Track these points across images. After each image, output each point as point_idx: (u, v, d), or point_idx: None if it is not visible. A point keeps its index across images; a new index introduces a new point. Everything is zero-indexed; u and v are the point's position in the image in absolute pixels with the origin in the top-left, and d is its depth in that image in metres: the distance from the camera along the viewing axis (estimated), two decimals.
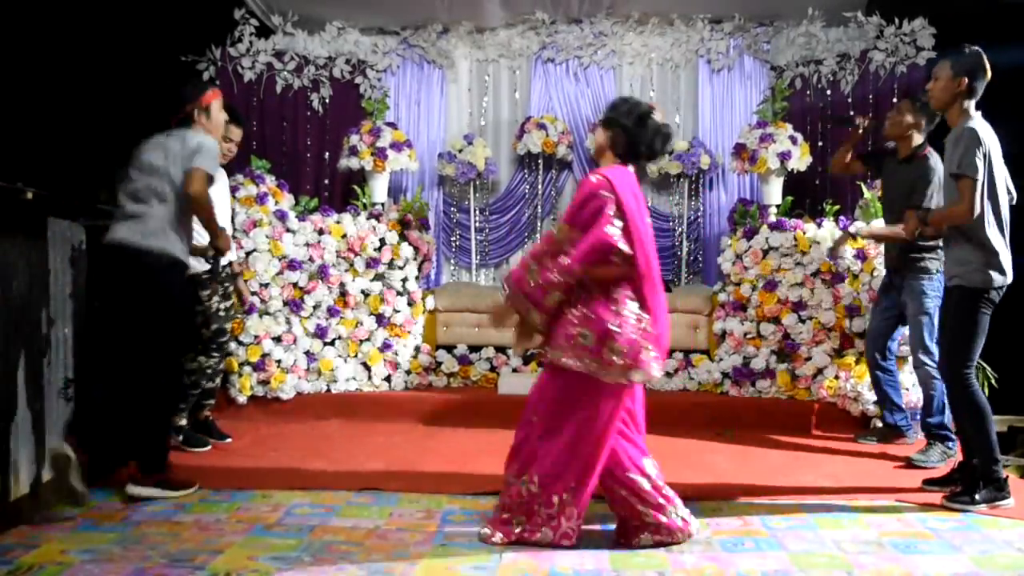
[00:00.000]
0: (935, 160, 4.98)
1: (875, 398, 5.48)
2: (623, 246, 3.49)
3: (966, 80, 4.08)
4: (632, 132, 3.64)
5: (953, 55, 4.14)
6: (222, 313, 5.20)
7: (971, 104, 4.12)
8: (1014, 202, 4.23)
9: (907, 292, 5.06)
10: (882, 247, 5.50)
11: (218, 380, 5.46)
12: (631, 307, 3.52)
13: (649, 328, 3.49)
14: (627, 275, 3.53)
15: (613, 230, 3.48)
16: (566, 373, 3.55)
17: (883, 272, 5.69)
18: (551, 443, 3.59)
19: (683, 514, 3.66)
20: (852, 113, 5.65)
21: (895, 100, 6.61)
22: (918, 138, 5.10)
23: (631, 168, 3.70)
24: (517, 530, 3.65)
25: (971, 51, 4.11)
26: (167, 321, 4.29)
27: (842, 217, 6.07)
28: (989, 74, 4.11)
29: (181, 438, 5.08)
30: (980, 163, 3.96)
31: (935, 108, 4.28)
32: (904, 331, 5.36)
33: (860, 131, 5.48)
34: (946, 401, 4.72)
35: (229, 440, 5.39)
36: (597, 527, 3.86)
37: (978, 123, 4.06)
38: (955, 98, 4.12)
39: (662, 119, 3.67)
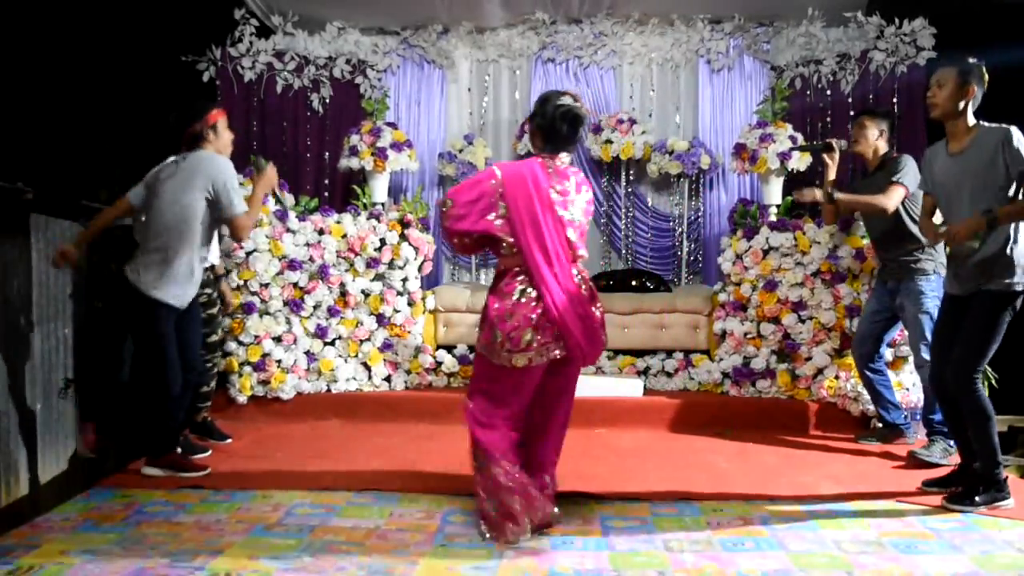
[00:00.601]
0: (907, 157, 5.04)
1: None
2: (504, 235, 3.66)
3: (975, 88, 4.08)
4: (542, 123, 3.75)
5: (959, 64, 4.13)
6: (212, 312, 5.14)
7: (969, 112, 4.13)
8: None
9: (904, 294, 5.06)
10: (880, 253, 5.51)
11: (213, 383, 5.44)
12: (519, 294, 3.69)
13: (533, 316, 3.64)
14: (517, 263, 3.71)
15: (493, 217, 3.65)
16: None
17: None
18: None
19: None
20: (825, 140, 5.56)
21: (895, 100, 6.63)
22: (884, 146, 5.18)
23: (560, 156, 3.78)
24: (494, 514, 3.70)
25: (974, 61, 4.12)
26: (144, 347, 4.38)
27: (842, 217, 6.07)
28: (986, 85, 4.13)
29: (179, 449, 5.04)
30: None
31: (936, 116, 4.22)
32: (894, 334, 5.38)
33: (837, 154, 5.41)
34: None
35: (229, 440, 5.39)
36: (596, 527, 3.87)
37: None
38: (961, 107, 4.11)
39: (573, 103, 3.73)
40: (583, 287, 3.77)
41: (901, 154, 5.14)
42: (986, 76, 4.12)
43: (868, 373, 5.30)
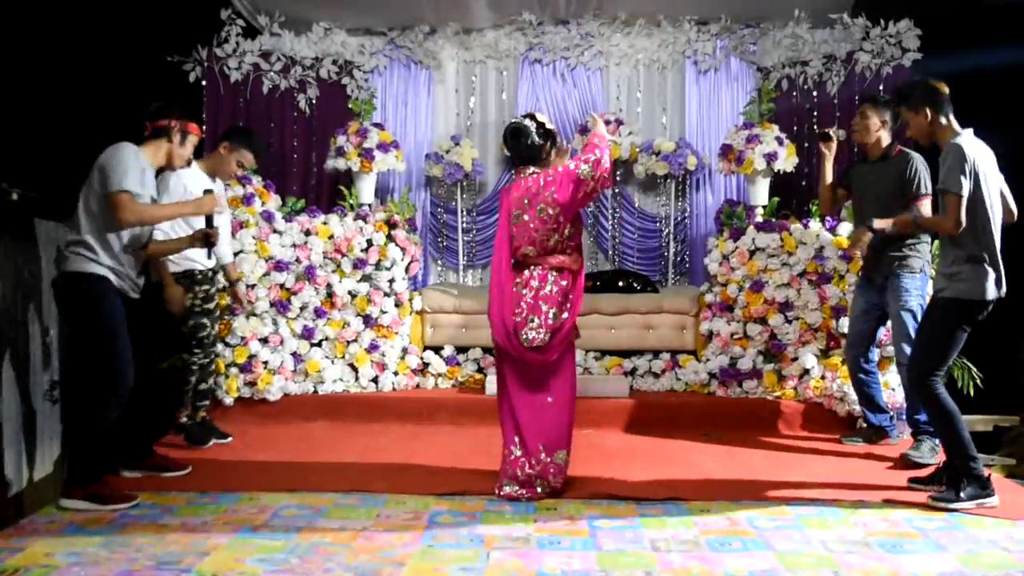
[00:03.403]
0: (917, 156, 5.01)
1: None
2: None
3: (928, 110, 4.17)
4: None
5: (902, 98, 4.26)
6: (197, 310, 5.11)
7: (950, 119, 4.19)
8: (1014, 219, 4.30)
9: (890, 290, 5.05)
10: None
11: (211, 381, 5.46)
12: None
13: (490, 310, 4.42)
14: None
15: None
16: None
17: None
18: None
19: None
20: (822, 130, 5.55)
21: (859, 101, 6.65)
22: (887, 137, 5.15)
23: (527, 168, 4.37)
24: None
25: (913, 83, 4.28)
26: (88, 336, 4.15)
27: (828, 218, 6.09)
28: (945, 86, 4.19)
29: (184, 435, 5.05)
30: (964, 180, 4.01)
31: (924, 145, 4.34)
32: (885, 331, 5.38)
33: (834, 144, 5.40)
34: None
35: (230, 439, 5.40)
36: (583, 527, 3.87)
37: (966, 140, 4.11)
38: (932, 128, 4.20)
39: (516, 120, 4.43)
40: (521, 289, 4.31)
41: (910, 152, 5.03)
42: (933, 83, 4.20)
43: (860, 375, 5.29)
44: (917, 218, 4.37)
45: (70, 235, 4.14)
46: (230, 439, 5.43)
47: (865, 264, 5.27)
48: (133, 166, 4.07)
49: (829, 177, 5.40)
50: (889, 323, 5.21)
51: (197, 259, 5.03)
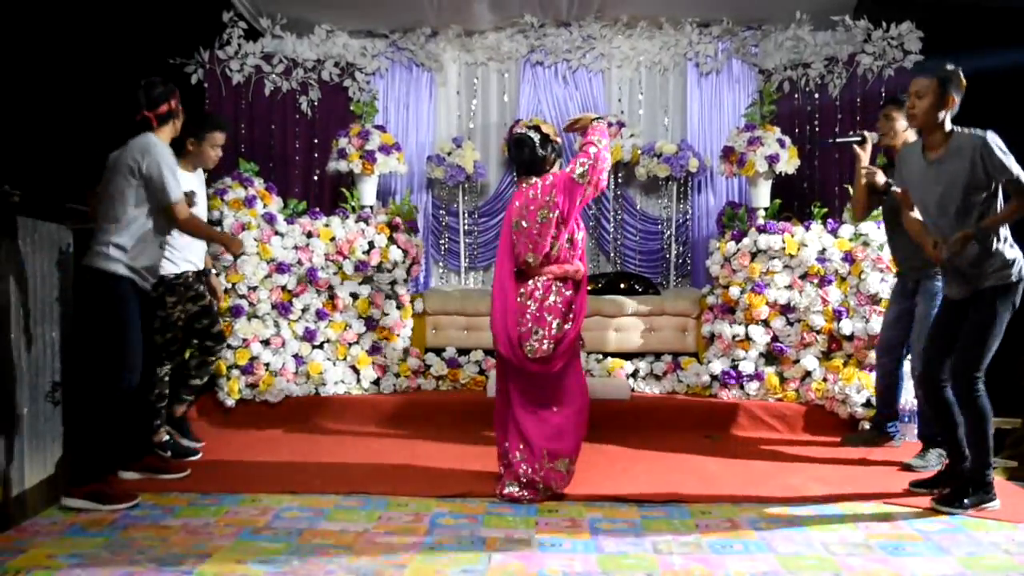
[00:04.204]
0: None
1: (862, 400, 5.50)
2: None
3: (955, 97, 4.05)
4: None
5: (937, 72, 4.08)
6: (180, 323, 5.05)
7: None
8: None
9: (921, 292, 4.98)
10: (886, 252, 5.51)
11: (206, 378, 5.37)
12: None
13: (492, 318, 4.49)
14: None
15: None
16: None
17: (870, 275, 5.72)
18: None
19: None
20: (854, 132, 5.43)
21: (882, 104, 6.64)
22: (912, 135, 4.97)
23: (529, 178, 4.44)
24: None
25: (953, 69, 4.07)
26: (106, 334, 4.25)
27: (830, 220, 6.09)
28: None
29: (169, 453, 5.00)
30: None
31: (916, 127, 4.22)
32: None
33: (869, 146, 5.33)
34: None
35: (201, 444, 5.28)
36: (585, 529, 3.87)
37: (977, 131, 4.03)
38: (941, 117, 4.07)
39: (518, 130, 4.57)
40: (525, 300, 4.34)
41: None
42: (964, 82, 4.07)
43: (889, 381, 5.24)
44: (985, 225, 4.00)
45: (99, 232, 4.26)
46: (201, 444, 5.29)
47: (900, 268, 5.18)
48: (173, 172, 4.30)
49: (862, 180, 5.33)
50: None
51: (193, 260, 5.04)
